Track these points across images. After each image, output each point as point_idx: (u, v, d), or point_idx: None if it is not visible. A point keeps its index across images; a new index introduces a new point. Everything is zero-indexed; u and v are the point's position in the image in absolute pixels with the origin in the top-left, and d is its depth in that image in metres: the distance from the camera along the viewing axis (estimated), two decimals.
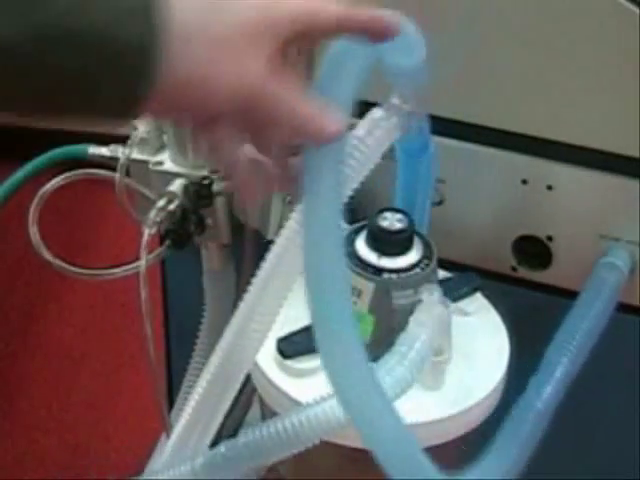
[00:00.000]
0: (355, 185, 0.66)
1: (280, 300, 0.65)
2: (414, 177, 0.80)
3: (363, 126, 0.68)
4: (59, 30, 0.49)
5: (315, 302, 0.58)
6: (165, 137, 0.89)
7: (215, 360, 0.71)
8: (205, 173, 0.87)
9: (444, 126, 0.84)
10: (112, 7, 0.49)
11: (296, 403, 0.70)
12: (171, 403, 1.06)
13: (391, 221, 0.73)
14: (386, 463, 0.60)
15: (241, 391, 0.88)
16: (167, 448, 0.75)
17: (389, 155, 0.77)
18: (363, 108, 0.71)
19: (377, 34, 0.59)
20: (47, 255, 0.86)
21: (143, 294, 0.83)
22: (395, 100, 0.70)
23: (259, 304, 0.68)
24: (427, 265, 0.73)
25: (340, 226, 0.59)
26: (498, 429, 0.74)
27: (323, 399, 0.65)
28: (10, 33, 0.48)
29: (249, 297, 0.69)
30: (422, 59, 0.68)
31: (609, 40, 0.77)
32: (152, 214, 0.85)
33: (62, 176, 0.89)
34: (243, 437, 0.69)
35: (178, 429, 0.74)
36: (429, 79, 0.70)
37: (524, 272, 0.88)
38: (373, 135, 0.68)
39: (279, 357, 0.74)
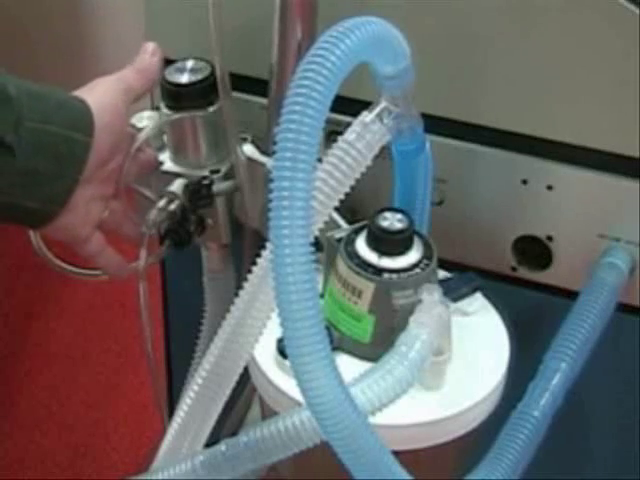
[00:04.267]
0: (347, 189, 0.67)
1: None
2: (411, 178, 0.80)
3: (354, 130, 0.68)
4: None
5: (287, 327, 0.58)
6: (165, 137, 0.89)
7: (211, 355, 0.71)
8: (205, 173, 0.87)
9: (444, 126, 0.84)
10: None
11: (296, 403, 0.70)
12: (171, 403, 1.06)
13: (391, 221, 0.73)
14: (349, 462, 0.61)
15: (241, 391, 0.89)
16: (164, 443, 0.75)
17: (388, 154, 0.77)
18: (356, 106, 0.71)
19: None
20: (47, 255, 0.86)
21: (142, 294, 0.83)
22: (385, 103, 0.70)
23: (255, 299, 0.68)
24: (427, 265, 0.73)
25: (308, 253, 0.58)
26: (495, 436, 0.74)
27: None
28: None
29: (245, 293, 0.69)
30: (407, 64, 0.69)
31: (609, 40, 0.77)
32: (152, 214, 0.85)
33: None
34: (243, 436, 0.69)
35: (175, 424, 0.74)
36: (418, 80, 0.70)
37: (524, 272, 0.88)
38: (364, 139, 0.68)
39: (279, 357, 0.74)
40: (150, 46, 0.84)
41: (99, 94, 0.79)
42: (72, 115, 0.77)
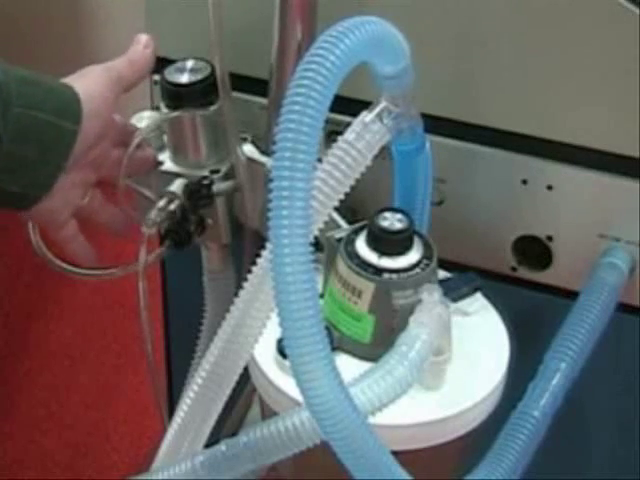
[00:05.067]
0: (347, 189, 0.67)
1: None
2: (411, 178, 0.80)
3: (354, 130, 0.68)
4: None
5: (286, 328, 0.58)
6: (165, 137, 0.89)
7: (211, 355, 0.71)
8: (205, 173, 0.87)
9: (444, 126, 0.84)
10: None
11: (296, 403, 0.69)
12: (171, 403, 1.06)
13: (391, 221, 0.73)
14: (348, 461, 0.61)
15: (241, 391, 0.89)
16: (164, 443, 0.75)
17: (388, 154, 0.77)
18: (356, 106, 0.71)
19: None
20: (47, 255, 0.86)
21: (142, 294, 0.83)
22: (385, 103, 0.70)
23: (255, 299, 0.68)
24: (427, 265, 0.73)
25: (308, 252, 0.58)
26: (495, 436, 0.74)
27: None
28: None
29: (245, 292, 0.69)
30: (407, 64, 0.69)
31: (609, 40, 0.77)
32: (152, 214, 0.85)
33: None
34: (243, 436, 0.69)
35: (175, 425, 0.74)
36: (418, 80, 0.70)
37: (524, 272, 0.88)
38: (364, 139, 0.68)
39: (279, 357, 0.74)
40: (143, 38, 0.84)
41: (88, 81, 0.80)
42: (60, 102, 0.77)
